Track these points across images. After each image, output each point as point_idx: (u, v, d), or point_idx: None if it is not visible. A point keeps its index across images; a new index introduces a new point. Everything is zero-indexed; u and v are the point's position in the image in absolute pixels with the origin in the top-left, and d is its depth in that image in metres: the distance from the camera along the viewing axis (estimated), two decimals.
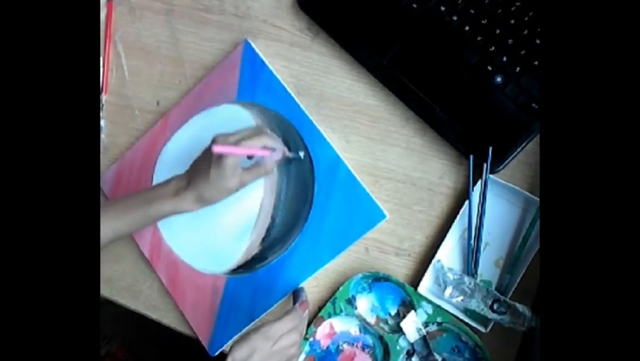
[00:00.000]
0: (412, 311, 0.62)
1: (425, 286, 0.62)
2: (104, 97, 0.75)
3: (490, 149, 0.59)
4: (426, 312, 0.62)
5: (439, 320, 0.62)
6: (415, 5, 0.62)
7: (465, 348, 0.62)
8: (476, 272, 0.61)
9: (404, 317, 0.63)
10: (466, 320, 0.61)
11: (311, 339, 0.66)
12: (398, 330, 0.63)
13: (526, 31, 0.59)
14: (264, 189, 0.66)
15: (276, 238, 0.66)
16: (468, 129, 0.61)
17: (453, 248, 0.63)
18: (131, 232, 0.63)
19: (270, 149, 0.59)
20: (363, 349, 0.66)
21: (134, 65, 0.74)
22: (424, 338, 0.62)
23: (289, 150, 0.64)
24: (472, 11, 0.60)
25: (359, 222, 0.64)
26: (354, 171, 0.64)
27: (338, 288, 0.64)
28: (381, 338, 0.64)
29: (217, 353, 0.68)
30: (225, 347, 0.68)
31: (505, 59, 0.60)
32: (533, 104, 0.59)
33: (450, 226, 0.61)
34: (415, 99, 0.62)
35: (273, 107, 0.67)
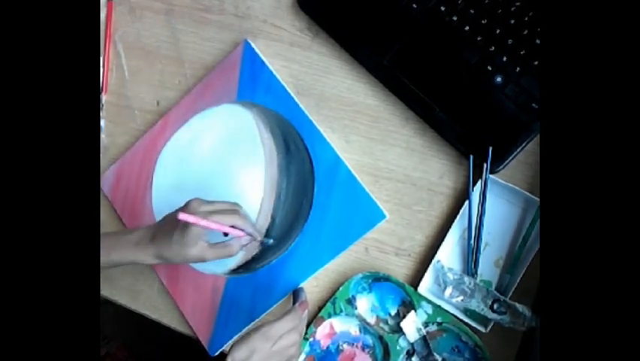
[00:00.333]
0: (412, 311, 0.62)
1: (425, 286, 0.62)
2: (104, 97, 0.75)
3: (490, 149, 0.59)
4: (426, 312, 0.62)
5: (439, 320, 0.62)
6: (415, 5, 0.62)
7: (465, 348, 0.62)
8: (476, 272, 0.61)
9: (404, 316, 0.63)
10: (466, 320, 0.61)
11: (311, 339, 0.66)
12: (398, 330, 0.63)
13: (526, 31, 0.59)
14: (264, 189, 0.66)
15: (276, 238, 0.66)
16: (468, 129, 0.61)
17: (453, 248, 0.63)
18: None
19: (239, 230, 0.58)
20: (363, 349, 0.66)
21: (134, 65, 0.74)
22: (424, 338, 0.62)
23: (289, 150, 0.64)
24: (472, 11, 0.60)
25: (359, 222, 0.64)
26: (354, 171, 0.64)
27: (338, 288, 0.64)
28: (381, 338, 0.64)
29: (217, 353, 0.68)
30: (225, 347, 0.68)
31: (505, 59, 0.60)
32: (533, 104, 0.59)
33: (450, 226, 0.61)
34: (415, 99, 0.62)
35: (273, 107, 0.67)
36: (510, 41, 0.60)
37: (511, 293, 0.59)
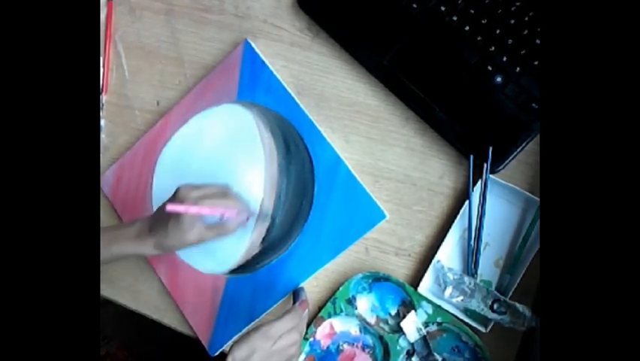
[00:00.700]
0: (412, 311, 0.62)
1: (425, 286, 0.62)
2: (104, 97, 0.75)
3: (490, 149, 0.59)
4: (426, 312, 0.62)
5: (439, 320, 0.62)
6: (415, 5, 0.62)
7: (465, 348, 0.62)
8: (476, 272, 0.61)
9: (404, 317, 0.63)
10: (466, 320, 0.61)
11: (311, 339, 0.66)
12: (398, 330, 0.63)
13: (526, 31, 0.59)
14: (264, 189, 0.66)
15: (276, 238, 0.66)
16: (468, 129, 0.61)
17: (453, 248, 0.63)
18: None
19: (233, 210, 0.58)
20: (363, 349, 0.66)
21: (134, 65, 0.74)
22: (424, 338, 0.62)
23: (289, 150, 0.64)
24: (472, 11, 0.60)
25: (359, 222, 0.64)
26: (354, 171, 0.64)
27: (338, 288, 0.64)
28: (381, 338, 0.64)
29: (217, 353, 0.68)
30: (225, 347, 0.68)
31: (505, 59, 0.60)
32: (533, 104, 0.59)
33: (450, 226, 0.61)
34: (415, 99, 0.62)
35: (273, 107, 0.67)
36: (510, 41, 0.60)
37: (511, 293, 0.59)
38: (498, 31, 0.60)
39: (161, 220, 0.59)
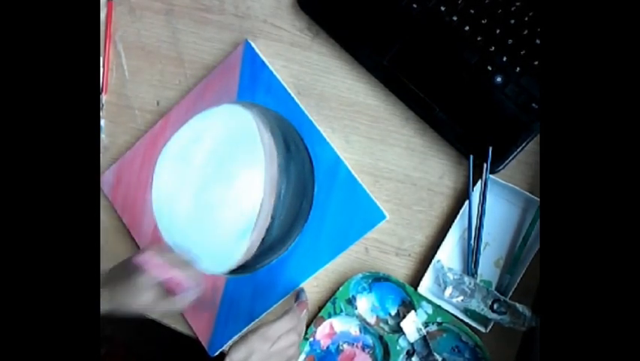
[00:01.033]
0: (412, 311, 0.62)
1: (425, 286, 0.62)
2: (104, 97, 0.75)
3: (490, 149, 0.59)
4: (426, 312, 0.62)
5: (439, 320, 0.62)
6: (415, 5, 0.62)
7: (465, 348, 0.62)
8: (476, 272, 0.61)
9: (404, 317, 0.63)
10: (466, 320, 0.61)
11: (311, 339, 0.66)
12: (398, 330, 0.63)
13: (526, 31, 0.59)
14: (264, 189, 0.66)
15: (276, 238, 0.65)
16: (468, 129, 0.61)
17: (453, 248, 0.63)
18: None
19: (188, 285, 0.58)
20: (363, 349, 0.66)
21: (134, 65, 0.74)
22: (424, 338, 0.62)
23: (289, 150, 0.64)
24: (472, 11, 0.60)
25: (359, 222, 0.64)
26: (354, 171, 0.64)
27: (338, 288, 0.64)
28: (381, 338, 0.64)
29: (217, 353, 0.68)
30: (225, 347, 0.68)
31: (505, 59, 0.60)
32: (533, 104, 0.59)
33: (450, 226, 0.61)
34: (415, 99, 0.62)
35: (273, 107, 0.67)
36: (510, 41, 0.60)
37: (511, 293, 0.59)
38: (498, 31, 0.60)
39: (122, 273, 0.58)
